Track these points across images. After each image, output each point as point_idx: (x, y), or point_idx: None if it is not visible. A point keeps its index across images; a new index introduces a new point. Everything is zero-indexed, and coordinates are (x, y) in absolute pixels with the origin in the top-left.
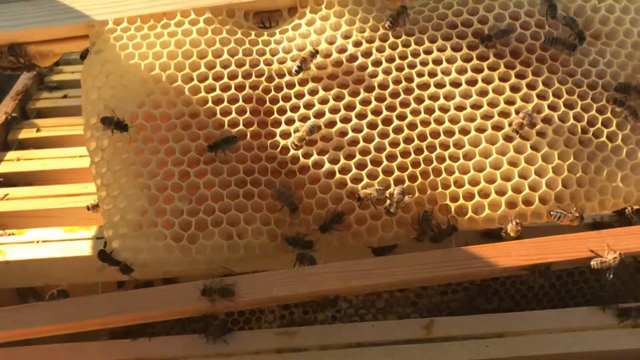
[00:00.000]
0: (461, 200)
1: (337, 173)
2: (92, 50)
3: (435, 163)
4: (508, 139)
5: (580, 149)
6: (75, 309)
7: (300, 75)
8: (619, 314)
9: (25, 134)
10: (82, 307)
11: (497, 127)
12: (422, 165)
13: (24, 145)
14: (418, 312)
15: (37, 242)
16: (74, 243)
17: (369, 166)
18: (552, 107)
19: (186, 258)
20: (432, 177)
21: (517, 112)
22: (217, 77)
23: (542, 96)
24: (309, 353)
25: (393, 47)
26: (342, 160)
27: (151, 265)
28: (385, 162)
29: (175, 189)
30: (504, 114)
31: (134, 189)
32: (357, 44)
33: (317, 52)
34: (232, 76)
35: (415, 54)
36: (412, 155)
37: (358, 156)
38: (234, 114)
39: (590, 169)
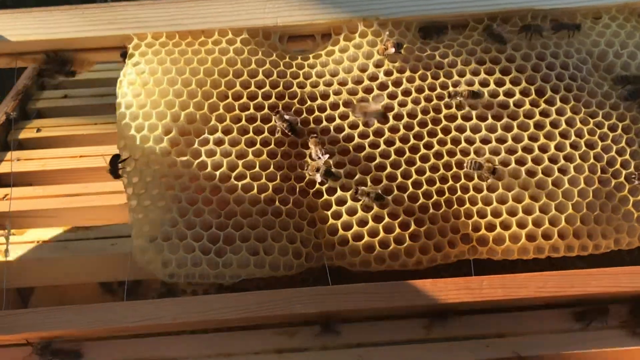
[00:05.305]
0: (483, 231)
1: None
2: (130, 62)
3: (459, 193)
4: (530, 174)
5: (599, 187)
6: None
7: (332, 99)
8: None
9: (25, 134)
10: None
11: (520, 162)
12: (447, 194)
13: (24, 145)
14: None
15: (37, 242)
16: (74, 243)
17: (395, 192)
18: (574, 146)
19: (212, 271)
20: (455, 206)
21: (540, 149)
22: (251, 97)
23: (564, 135)
24: (309, 353)
25: (423, 78)
26: (369, 185)
27: (178, 276)
28: (410, 189)
29: (206, 203)
30: (527, 150)
31: (165, 200)
32: (388, 73)
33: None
34: (266, 96)
35: (443, 87)
36: (437, 184)
37: (385, 181)
38: (266, 133)
39: (608, 207)
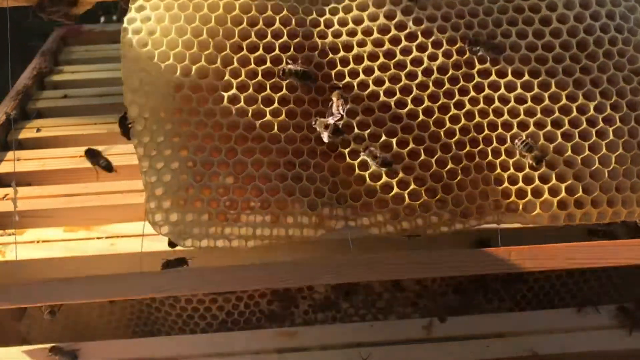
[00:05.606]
0: (513, 198)
1: None
2: (133, 7)
3: (490, 157)
4: (567, 137)
5: (638, 153)
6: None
7: (355, 51)
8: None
9: (25, 134)
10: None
11: (557, 124)
12: (477, 159)
13: (23, 145)
14: (418, 312)
15: (37, 242)
16: (74, 243)
17: (422, 156)
18: (614, 107)
19: (231, 237)
20: (485, 171)
21: (578, 111)
22: (268, 48)
23: (605, 94)
24: (309, 353)
25: (455, 28)
26: (395, 148)
27: (194, 241)
28: (439, 153)
29: (222, 167)
30: (565, 111)
31: (178, 162)
32: (418, 21)
33: None
34: (284, 47)
35: (478, 37)
36: (467, 147)
37: (411, 144)
38: (284, 90)
39: None
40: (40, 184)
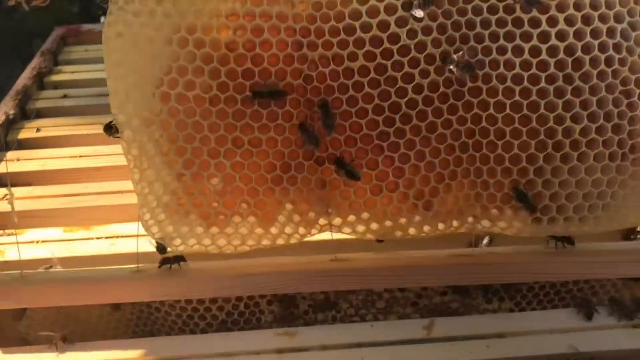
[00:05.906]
0: (492, 210)
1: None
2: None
3: (472, 176)
4: (548, 160)
5: (615, 176)
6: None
7: (346, 64)
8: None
9: (25, 134)
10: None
11: (541, 147)
12: (459, 177)
13: (24, 145)
14: (418, 312)
15: (37, 242)
16: (74, 243)
17: (406, 174)
18: (599, 130)
19: (220, 243)
20: (466, 189)
21: (563, 134)
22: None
23: (592, 117)
24: (309, 353)
25: (450, 41)
26: (380, 166)
27: (186, 247)
28: (423, 172)
29: (212, 179)
30: (550, 134)
31: (169, 175)
32: (412, 34)
33: None
34: (274, 57)
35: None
36: (451, 166)
37: (397, 163)
38: (272, 106)
39: (619, 195)
40: (40, 184)
